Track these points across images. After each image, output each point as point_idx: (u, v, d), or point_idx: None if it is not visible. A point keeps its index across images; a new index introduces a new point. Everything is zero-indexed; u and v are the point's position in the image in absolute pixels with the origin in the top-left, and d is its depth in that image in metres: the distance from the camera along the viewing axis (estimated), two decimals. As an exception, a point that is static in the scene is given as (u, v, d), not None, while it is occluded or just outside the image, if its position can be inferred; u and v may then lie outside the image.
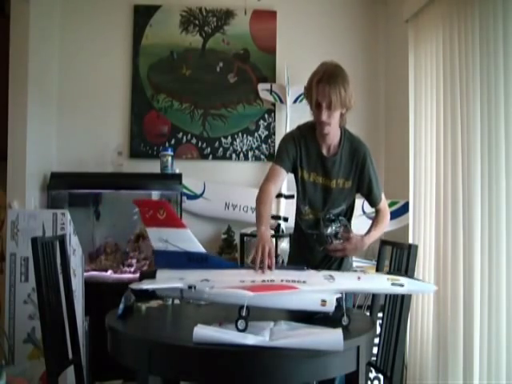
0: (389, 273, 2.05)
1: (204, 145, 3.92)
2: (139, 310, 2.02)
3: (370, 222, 2.39)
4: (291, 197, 3.37)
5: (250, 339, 1.58)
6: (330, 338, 1.59)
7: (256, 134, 3.95)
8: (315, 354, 1.60)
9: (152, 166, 3.66)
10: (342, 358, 1.66)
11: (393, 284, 1.79)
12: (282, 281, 1.77)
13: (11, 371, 2.65)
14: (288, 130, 3.30)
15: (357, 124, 3.86)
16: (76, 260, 3.05)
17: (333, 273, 1.84)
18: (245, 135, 3.94)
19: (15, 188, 3.24)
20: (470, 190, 2.56)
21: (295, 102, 3.71)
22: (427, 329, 3.00)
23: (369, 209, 3.52)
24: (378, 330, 2.33)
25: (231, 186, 3.81)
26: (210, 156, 3.92)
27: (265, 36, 3.95)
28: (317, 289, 1.76)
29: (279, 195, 3.57)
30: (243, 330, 1.64)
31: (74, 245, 3.06)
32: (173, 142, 3.89)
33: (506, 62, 2.34)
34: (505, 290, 2.29)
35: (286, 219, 3.58)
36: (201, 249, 1.87)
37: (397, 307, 2.16)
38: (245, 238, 3.49)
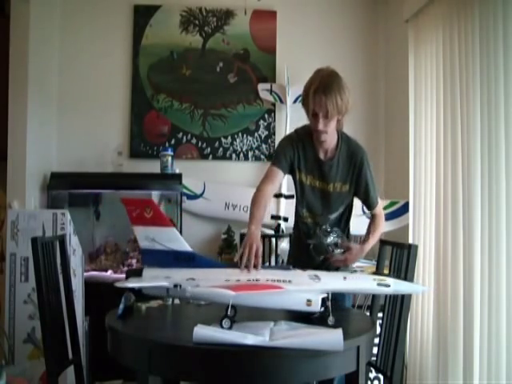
0: (374, 273, 2.06)
1: (204, 145, 3.92)
2: (139, 310, 2.02)
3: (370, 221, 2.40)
4: (291, 197, 3.36)
5: (249, 339, 1.58)
6: (329, 338, 1.59)
7: (256, 134, 3.95)
8: (315, 354, 1.60)
9: (152, 166, 3.66)
10: (341, 357, 1.66)
11: (379, 284, 1.79)
12: (267, 280, 1.77)
13: (11, 371, 2.65)
14: (288, 130, 3.32)
15: (357, 124, 3.89)
16: (76, 260, 3.05)
17: (318, 273, 1.84)
18: (245, 135, 3.94)
19: (15, 188, 3.24)
20: (470, 189, 2.56)
21: (295, 101, 3.71)
22: (427, 329, 3.00)
23: (369, 209, 3.55)
24: (378, 330, 2.33)
25: (231, 186, 3.81)
26: (210, 156, 3.92)
27: (265, 36, 3.96)
28: (302, 288, 1.77)
29: (279, 195, 3.58)
30: (229, 329, 1.65)
31: (74, 245, 3.06)
32: (173, 142, 3.89)
33: (506, 61, 2.34)
34: (505, 290, 2.29)
35: (285, 219, 3.58)
36: (187, 248, 1.88)
37: (397, 307, 2.16)
38: (245, 237, 3.49)
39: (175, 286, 1.79)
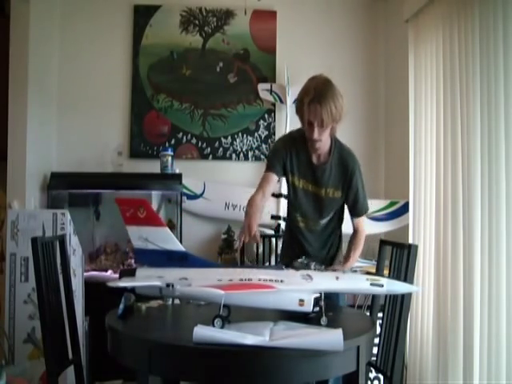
0: (368, 273, 2.06)
1: (204, 145, 3.92)
2: (139, 310, 2.02)
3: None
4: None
5: (249, 339, 1.58)
6: (330, 337, 1.59)
7: (256, 134, 3.95)
8: (315, 354, 1.60)
9: (152, 166, 3.66)
10: (341, 357, 1.66)
11: (372, 284, 1.79)
12: (259, 280, 1.78)
13: (11, 371, 2.64)
14: (288, 130, 3.31)
15: (357, 124, 3.90)
16: (76, 260, 3.05)
17: (311, 272, 1.84)
18: (245, 135, 3.94)
19: (15, 188, 3.24)
20: (470, 190, 2.56)
21: (295, 102, 3.70)
22: (427, 329, 3.00)
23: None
24: (378, 330, 2.33)
25: (231, 186, 3.80)
26: (210, 156, 3.92)
27: (265, 36, 3.96)
28: (294, 288, 1.77)
29: (279, 195, 3.57)
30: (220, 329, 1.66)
31: (74, 245, 3.06)
32: (173, 142, 3.89)
33: (506, 61, 2.34)
34: (505, 290, 2.29)
35: (285, 219, 3.57)
36: (180, 247, 1.89)
37: (397, 307, 2.16)
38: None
39: (168, 285, 1.80)
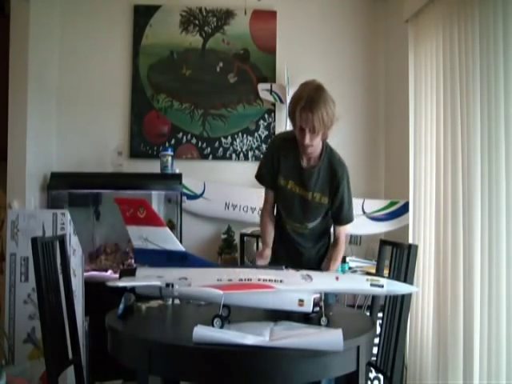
0: (368, 273, 2.06)
1: (204, 145, 3.92)
2: (139, 310, 2.02)
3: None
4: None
5: (249, 339, 1.58)
6: (330, 338, 1.59)
7: (256, 134, 3.95)
8: (315, 354, 1.60)
9: (152, 166, 3.66)
10: (341, 357, 1.67)
11: (372, 285, 1.79)
12: (259, 280, 1.78)
13: (11, 371, 2.64)
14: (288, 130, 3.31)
15: (357, 123, 3.90)
16: (76, 260, 3.05)
17: (311, 273, 1.84)
18: (245, 135, 3.94)
19: (15, 188, 3.24)
20: (470, 190, 2.56)
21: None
22: (427, 329, 3.00)
23: (369, 209, 3.56)
24: (378, 330, 2.33)
25: (231, 186, 3.81)
26: (210, 156, 3.92)
27: (265, 36, 3.96)
28: (293, 288, 1.77)
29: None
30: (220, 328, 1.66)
31: (74, 245, 3.06)
32: (173, 142, 3.89)
33: (506, 61, 2.34)
34: (505, 290, 2.29)
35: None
36: (180, 247, 1.89)
37: (397, 307, 2.15)
38: (245, 237, 3.49)
39: (167, 285, 1.80)
